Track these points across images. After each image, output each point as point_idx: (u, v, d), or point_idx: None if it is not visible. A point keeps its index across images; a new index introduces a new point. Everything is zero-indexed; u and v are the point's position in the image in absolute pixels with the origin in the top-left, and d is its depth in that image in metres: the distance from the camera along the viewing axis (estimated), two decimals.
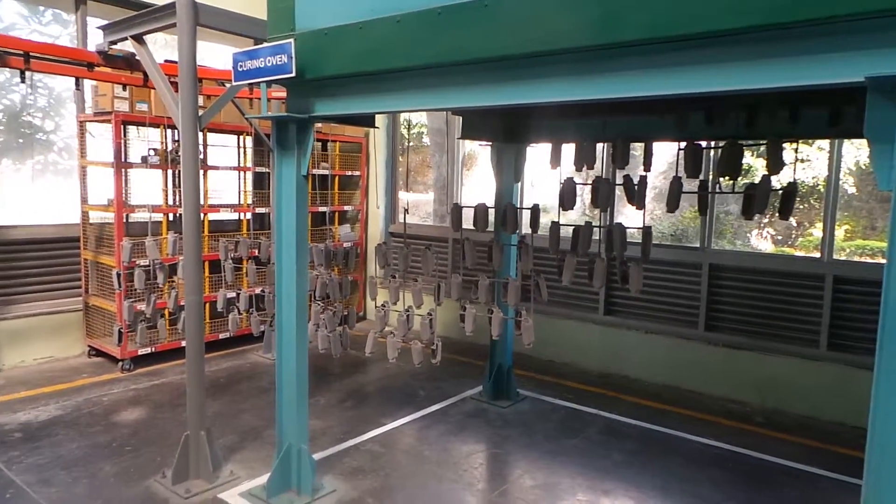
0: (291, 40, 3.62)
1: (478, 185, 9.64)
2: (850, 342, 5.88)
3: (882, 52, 2.05)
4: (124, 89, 6.37)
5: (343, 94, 3.75)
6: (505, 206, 4.94)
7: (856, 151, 7.11)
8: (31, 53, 4.84)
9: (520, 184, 6.16)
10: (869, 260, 6.04)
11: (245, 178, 7.90)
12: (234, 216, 8.12)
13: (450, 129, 8.81)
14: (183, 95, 4.11)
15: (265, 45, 3.79)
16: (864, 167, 6.88)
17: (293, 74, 3.64)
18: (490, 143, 5.98)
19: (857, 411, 5.55)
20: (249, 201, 7.93)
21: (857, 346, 5.82)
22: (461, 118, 5.59)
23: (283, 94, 4.62)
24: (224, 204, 8.05)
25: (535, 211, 4.80)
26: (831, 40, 2.14)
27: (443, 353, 4.92)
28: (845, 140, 5.87)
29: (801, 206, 7.43)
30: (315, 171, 8.40)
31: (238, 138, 8.00)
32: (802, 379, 6.02)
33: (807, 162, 7.30)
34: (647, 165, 4.41)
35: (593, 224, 4.69)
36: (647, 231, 4.64)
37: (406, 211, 5.43)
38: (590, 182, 4.68)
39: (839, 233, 6.23)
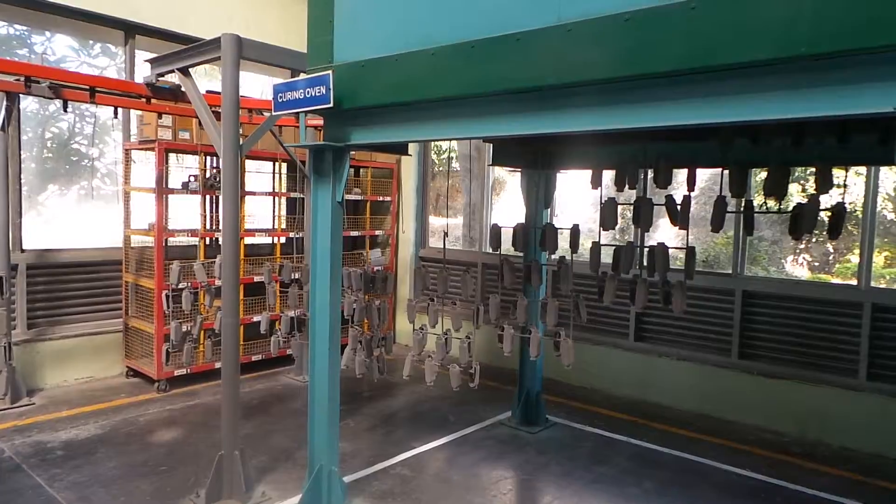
0: (330, 72, 3.78)
1: (506, 209, 9.72)
2: (890, 371, 5.74)
3: None
4: (159, 117, 6.60)
5: (378, 124, 3.87)
6: (544, 225, 4.97)
7: (895, 177, 7.00)
8: (95, 88, 5.11)
9: (549, 209, 6.21)
10: None
11: (279, 204, 8.10)
12: (269, 240, 8.31)
13: (480, 155, 8.92)
14: (225, 125, 4.29)
15: (304, 76, 3.95)
16: None
17: (331, 105, 3.78)
18: (519, 170, 6.07)
19: None
20: (283, 226, 8.12)
21: None
22: (492, 146, 5.68)
23: (320, 122, 4.81)
24: (259, 228, 8.26)
25: (575, 231, 4.83)
26: (862, 71, 2.17)
27: (467, 378, 4.95)
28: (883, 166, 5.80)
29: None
30: (348, 197, 8.61)
31: (273, 164, 8.22)
32: (841, 409, 5.88)
33: (842, 187, 7.19)
34: (691, 185, 4.41)
35: (636, 244, 4.70)
36: (690, 251, 4.62)
37: (445, 234, 5.51)
38: (631, 202, 4.69)
39: (878, 259, 6.12)
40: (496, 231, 5.11)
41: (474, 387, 4.75)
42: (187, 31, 7.76)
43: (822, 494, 4.89)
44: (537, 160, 5.79)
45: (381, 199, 9.14)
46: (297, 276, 6.38)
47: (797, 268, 7.79)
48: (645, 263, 4.73)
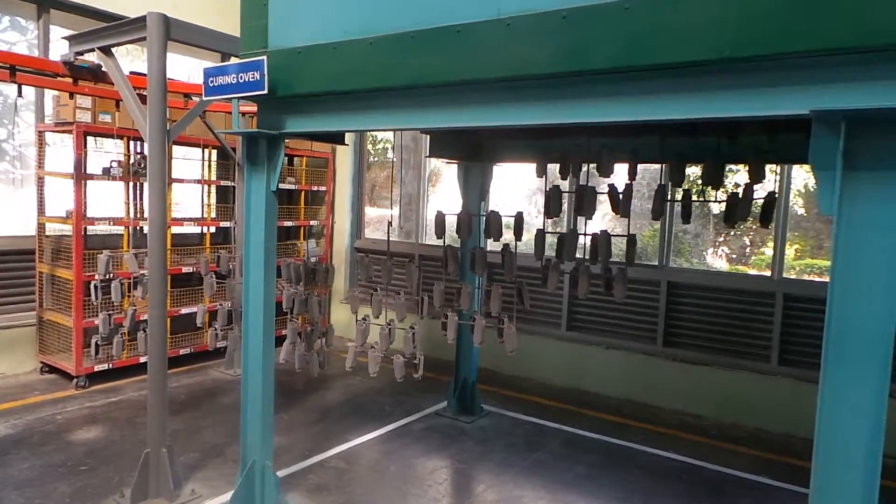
0: (264, 57, 3.67)
1: (442, 201, 9.73)
2: (799, 357, 6.15)
3: (825, 88, 2.22)
4: (71, 97, 6.18)
5: (315, 112, 3.79)
6: (489, 213, 5.01)
7: (805, 174, 7.46)
8: (16, 66, 4.74)
9: (485, 201, 6.27)
10: (817, 279, 6.34)
11: (209, 192, 7.82)
12: (198, 230, 8.02)
13: (416, 146, 8.90)
14: (151, 109, 4.10)
15: (237, 61, 3.82)
16: (811, 189, 7.23)
17: (265, 91, 3.67)
18: (457, 162, 6.09)
19: (807, 423, 5.80)
20: (213, 215, 7.85)
21: (806, 360, 6.08)
22: (429, 137, 5.68)
23: (254, 109, 4.67)
24: (188, 217, 7.96)
25: (519, 219, 4.89)
26: (782, 75, 2.30)
27: (408, 369, 4.96)
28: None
29: (754, 226, 7.75)
30: (282, 186, 8.42)
31: (203, 151, 7.93)
32: (755, 393, 6.25)
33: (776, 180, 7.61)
34: (633, 175, 4.53)
35: (578, 232, 4.80)
36: (631, 239, 4.73)
37: (390, 224, 5.45)
38: (573, 191, 4.78)
39: (789, 252, 6.52)
40: (440, 218, 5.11)
41: (418, 377, 4.76)
42: (108, 8, 7.34)
43: (740, 473, 5.20)
44: (475, 152, 5.84)
45: (315, 188, 8.97)
46: (216, 268, 6.21)
47: (717, 260, 8.19)
48: (586, 252, 4.84)
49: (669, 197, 4.71)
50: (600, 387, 7.09)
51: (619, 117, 2.71)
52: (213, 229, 7.88)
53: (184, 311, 7.27)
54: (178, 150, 7.62)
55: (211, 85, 3.96)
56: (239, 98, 3.89)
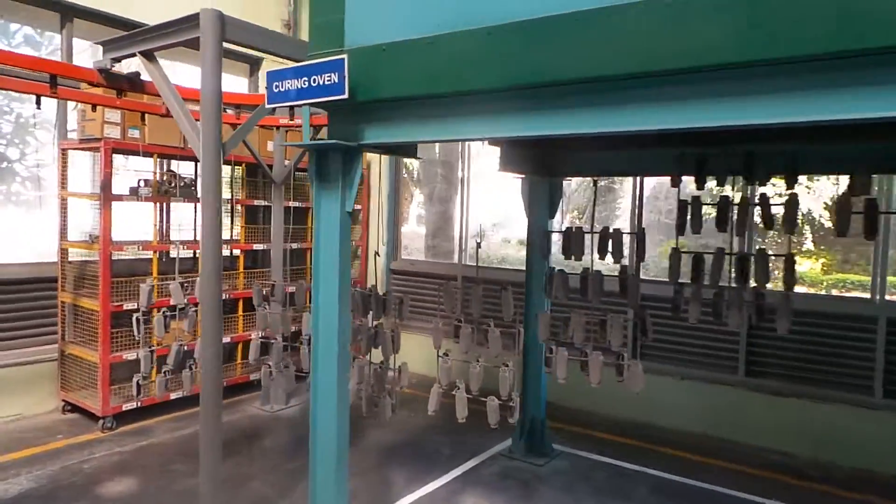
0: (345, 57, 3.13)
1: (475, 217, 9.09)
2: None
3: None
4: (93, 109, 5.65)
5: (400, 119, 3.24)
6: (602, 229, 4.39)
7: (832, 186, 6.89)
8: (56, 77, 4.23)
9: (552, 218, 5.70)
10: None
11: (241, 212, 7.26)
12: (226, 252, 7.45)
13: (456, 160, 8.37)
14: (205, 120, 3.56)
15: (309, 62, 3.27)
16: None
17: (346, 96, 3.13)
18: (522, 176, 5.54)
19: None
20: (243, 237, 7.28)
21: None
22: (500, 150, 5.13)
23: (292, 122, 4.13)
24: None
25: (641, 236, 4.28)
26: None
27: (444, 398, 4.37)
28: None
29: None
30: (311, 205, 7.87)
31: (231, 168, 7.40)
32: (856, 429, 5.63)
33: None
34: (791, 183, 3.85)
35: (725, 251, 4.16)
36: (790, 260, 4.02)
37: (478, 244, 4.86)
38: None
39: (816, 265, 5.92)
40: (544, 235, 4.50)
41: (513, 422, 4.17)
42: (131, 16, 6.85)
43: None
44: (545, 166, 5.26)
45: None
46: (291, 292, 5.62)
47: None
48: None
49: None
50: (673, 421, 6.46)
51: (836, 115, 2.13)
52: (235, 252, 7.31)
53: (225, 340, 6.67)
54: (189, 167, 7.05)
55: (276, 91, 3.42)
56: (313, 104, 3.34)
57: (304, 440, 5.96)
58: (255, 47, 3.84)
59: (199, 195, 6.52)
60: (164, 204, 6.65)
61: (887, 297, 5.65)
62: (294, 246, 7.50)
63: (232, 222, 7.41)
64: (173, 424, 6.16)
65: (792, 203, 3.67)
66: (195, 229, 7.27)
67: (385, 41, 3.13)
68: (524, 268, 5.63)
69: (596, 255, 4.52)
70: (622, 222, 8.17)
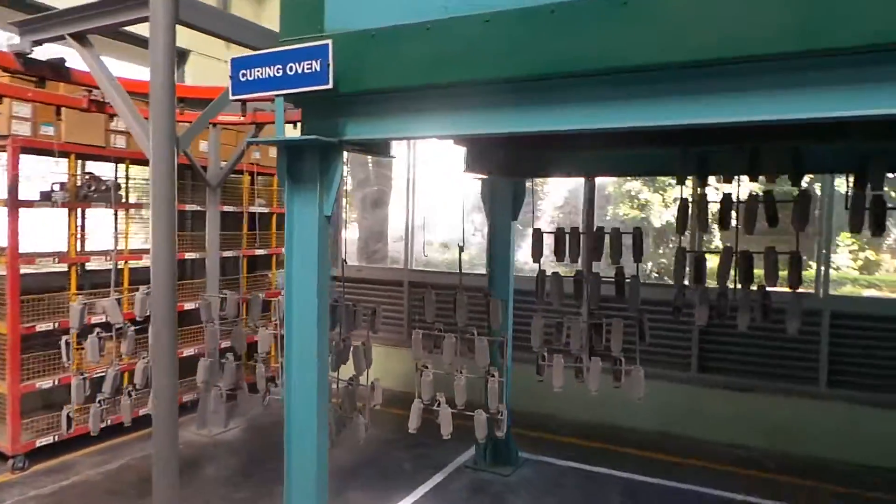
0: (329, 42, 2.80)
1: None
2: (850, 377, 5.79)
3: None
4: None
5: (389, 113, 2.95)
6: (611, 229, 4.22)
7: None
8: None
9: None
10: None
11: None
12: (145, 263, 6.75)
13: (389, 161, 8.09)
14: (158, 116, 3.10)
15: (286, 48, 2.92)
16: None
17: (330, 86, 2.81)
18: (483, 177, 5.34)
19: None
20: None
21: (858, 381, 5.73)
22: (466, 149, 4.89)
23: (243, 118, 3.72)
24: (142, 249, 6.69)
25: (639, 236, 4.13)
26: None
27: (398, 409, 4.13)
28: None
29: None
30: (251, 209, 7.34)
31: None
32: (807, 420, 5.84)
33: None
34: (798, 180, 3.77)
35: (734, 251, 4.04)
36: (796, 258, 3.97)
37: (461, 248, 4.57)
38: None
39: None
40: (539, 238, 4.29)
41: (501, 436, 3.94)
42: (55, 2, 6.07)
43: None
44: (510, 166, 5.09)
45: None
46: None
47: None
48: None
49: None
50: (633, 421, 6.47)
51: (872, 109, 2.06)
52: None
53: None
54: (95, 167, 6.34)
55: (242, 80, 3.04)
56: (287, 96, 2.97)
57: (252, 466, 5.51)
58: (213, 32, 3.40)
59: (123, 200, 5.89)
60: (81, 211, 5.94)
61: (831, 293, 5.90)
62: (228, 254, 6.94)
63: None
64: (97, 459, 5.49)
65: (805, 200, 3.67)
66: (116, 238, 6.59)
67: (373, 26, 2.83)
68: (457, 271, 5.43)
69: (555, 258, 4.41)
70: (543, 223, 8.25)
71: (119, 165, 6.07)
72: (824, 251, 5.86)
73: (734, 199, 3.92)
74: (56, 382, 5.31)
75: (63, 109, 5.08)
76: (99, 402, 4.56)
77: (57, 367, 5.36)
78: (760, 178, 3.99)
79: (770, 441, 5.94)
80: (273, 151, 7.57)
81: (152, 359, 3.19)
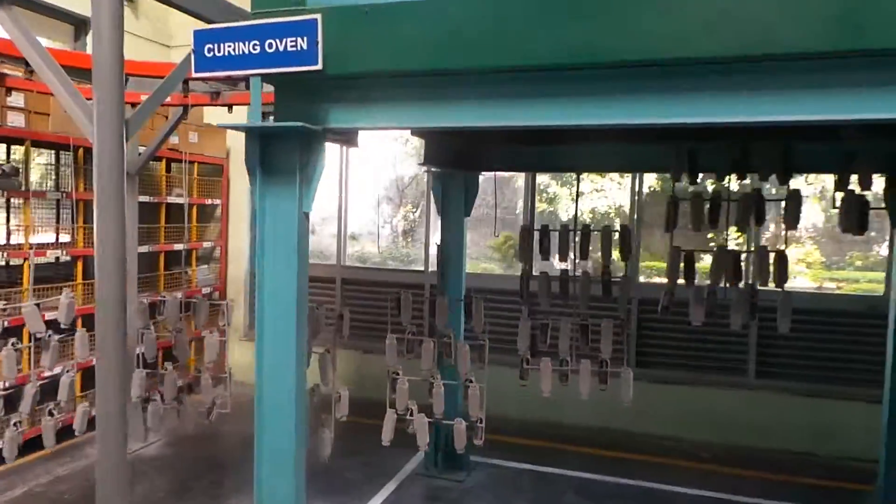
0: (318, 17, 2.48)
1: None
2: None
3: None
4: None
5: (379, 100, 2.68)
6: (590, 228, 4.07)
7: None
8: None
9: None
10: None
11: (76, 209, 5.87)
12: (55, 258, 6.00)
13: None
14: (103, 93, 2.64)
15: (266, 20, 2.56)
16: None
17: (319, 67, 2.49)
18: (435, 171, 5.13)
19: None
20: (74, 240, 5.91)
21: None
22: (426, 142, 4.65)
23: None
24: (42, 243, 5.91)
25: (627, 233, 4.01)
26: None
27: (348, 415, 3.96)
28: None
29: None
30: (169, 200, 6.71)
31: (56, 154, 6.02)
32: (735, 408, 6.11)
33: (601, 192, 7.66)
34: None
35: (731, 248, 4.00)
36: (782, 256, 3.98)
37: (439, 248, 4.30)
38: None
39: None
40: (527, 236, 4.11)
41: (479, 444, 3.76)
42: None
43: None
44: (464, 159, 4.88)
45: (208, 202, 7.32)
46: None
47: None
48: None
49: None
50: (577, 418, 6.47)
51: None
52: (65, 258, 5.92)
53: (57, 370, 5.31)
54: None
55: (208, 55, 2.65)
56: (265, 75, 2.62)
57: (183, 485, 4.99)
58: (173, 3, 2.94)
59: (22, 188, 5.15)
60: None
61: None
62: (144, 249, 6.28)
63: (58, 221, 6.00)
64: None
65: (795, 198, 3.70)
66: (8, 233, 5.79)
67: (366, 1, 2.54)
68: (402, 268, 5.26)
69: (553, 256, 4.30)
70: None
71: (10, 148, 5.34)
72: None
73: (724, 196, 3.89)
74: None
75: None
76: (15, 424, 3.90)
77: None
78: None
79: (702, 432, 6.16)
80: (195, 136, 6.97)
81: (98, 381, 2.72)
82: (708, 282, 4.03)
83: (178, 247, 6.87)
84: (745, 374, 6.21)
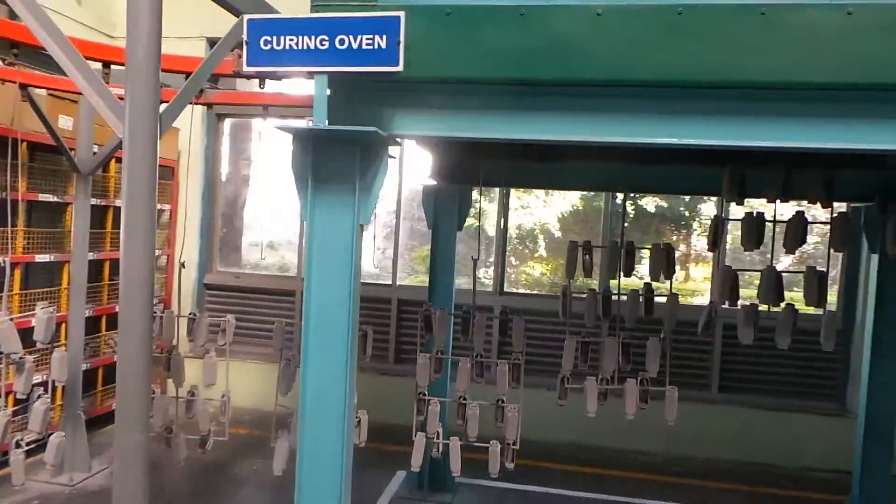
0: (402, 15, 2.29)
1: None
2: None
3: None
4: None
5: (453, 108, 2.51)
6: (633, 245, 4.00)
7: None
8: None
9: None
10: None
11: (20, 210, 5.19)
12: None
13: None
14: (135, 74, 2.31)
15: (338, 15, 2.34)
16: None
17: (400, 68, 2.31)
18: (428, 185, 4.98)
19: None
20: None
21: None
22: (433, 156, 4.47)
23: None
24: None
25: (670, 251, 3.96)
26: None
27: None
28: None
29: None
30: (117, 203, 6.11)
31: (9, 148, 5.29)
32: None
33: (527, 209, 7.94)
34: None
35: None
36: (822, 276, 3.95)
37: (475, 260, 4.08)
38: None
39: None
40: (574, 252, 4.04)
41: (511, 467, 3.61)
42: None
43: None
44: (461, 174, 4.73)
45: (159, 207, 6.74)
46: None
47: None
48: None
49: None
50: (549, 434, 6.44)
51: None
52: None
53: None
54: None
55: (264, 48, 2.39)
56: (333, 73, 2.38)
57: None
58: None
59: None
60: None
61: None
62: (91, 256, 5.66)
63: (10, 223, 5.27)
64: None
65: (845, 222, 3.78)
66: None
67: (449, 2, 2.38)
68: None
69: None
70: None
71: None
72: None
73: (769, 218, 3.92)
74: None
75: None
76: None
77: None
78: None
79: (669, 446, 6.30)
80: None
81: (119, 410, 2.34)
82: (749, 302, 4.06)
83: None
84: (709, 389, 6.41)
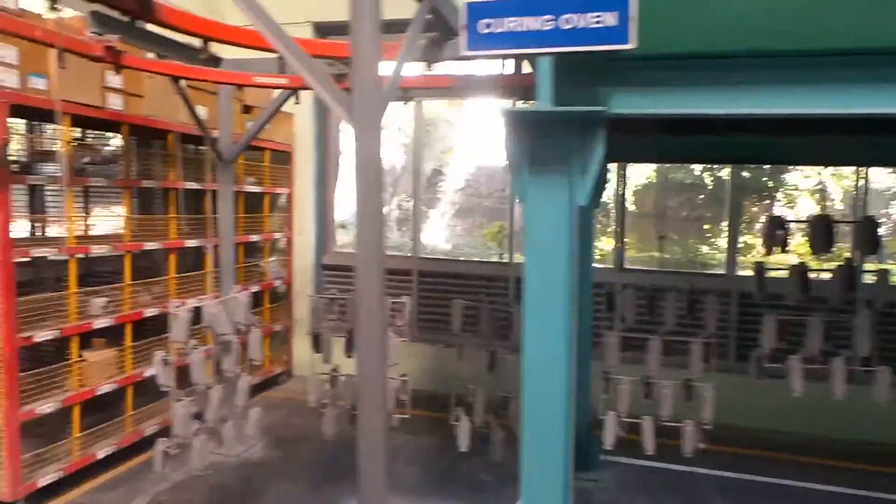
0: None
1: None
2: None
3: None
4: None
5: (677, 84, 2.43)
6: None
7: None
8: None
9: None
10: None
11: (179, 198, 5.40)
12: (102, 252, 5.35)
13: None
14: (364, 78, 2.33)
15: None
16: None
17: (631, 46, 2.23)
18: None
19: None
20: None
21: None
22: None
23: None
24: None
25: (873, 226, 3.83)
26: None
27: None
28: None
29: None
30: (245, 188, 6.31)
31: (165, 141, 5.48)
32: None
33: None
34: None
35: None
36: None
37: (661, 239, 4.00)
38: None
39: None
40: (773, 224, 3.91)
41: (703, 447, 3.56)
42: None
43: None
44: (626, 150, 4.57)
45: (277, 191, 6.94)
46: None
47: None
48: None
49: None
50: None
51: None
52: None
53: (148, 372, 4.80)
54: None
55: (484, 31, 2.35)
56: (561, 54, 2.33)
57: None
58: None
59: (123, 175, 4.73)
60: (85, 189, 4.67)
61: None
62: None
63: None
64: (101, 491, 4.43)
65: None
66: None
67: None
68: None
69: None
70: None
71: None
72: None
73: None
74: (61, 405, 4.21)
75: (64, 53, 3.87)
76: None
77: (54, 386, 4.24)
78: None
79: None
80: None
81: (363, 393, 2.42)
82: None
83: (255, 238, 6.48)
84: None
